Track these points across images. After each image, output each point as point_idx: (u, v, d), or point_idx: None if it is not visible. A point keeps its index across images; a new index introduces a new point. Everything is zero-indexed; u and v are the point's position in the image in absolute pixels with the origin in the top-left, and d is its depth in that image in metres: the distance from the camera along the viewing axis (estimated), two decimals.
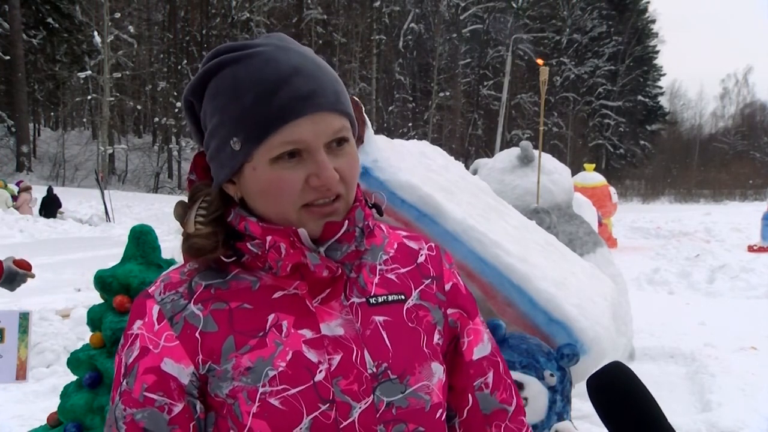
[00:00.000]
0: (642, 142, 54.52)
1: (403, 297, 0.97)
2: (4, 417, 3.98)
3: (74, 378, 2.62)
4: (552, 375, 2.76)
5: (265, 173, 0.87)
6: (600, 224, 12.14)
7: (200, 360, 0.88)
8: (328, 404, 0.86)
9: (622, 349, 4.55)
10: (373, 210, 0.99)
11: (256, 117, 0.86)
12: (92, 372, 2.48)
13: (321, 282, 0.92)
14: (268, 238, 0.89)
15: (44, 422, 2.76)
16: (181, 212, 0.95)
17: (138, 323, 0.91)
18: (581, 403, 3.70)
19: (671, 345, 5.86)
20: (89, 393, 2.47)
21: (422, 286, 1.00)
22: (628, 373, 0.99)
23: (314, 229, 0.90)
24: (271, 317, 0.90)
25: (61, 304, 6.47)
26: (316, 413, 0.86)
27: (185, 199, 0.98)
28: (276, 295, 0.91)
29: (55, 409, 2.57)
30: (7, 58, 29.76)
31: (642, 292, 8.72)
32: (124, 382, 0.89)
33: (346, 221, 0.91)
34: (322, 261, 0.89)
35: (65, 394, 2.56)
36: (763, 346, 5.86)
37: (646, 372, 5.14)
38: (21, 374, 2.81)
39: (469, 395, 1.03)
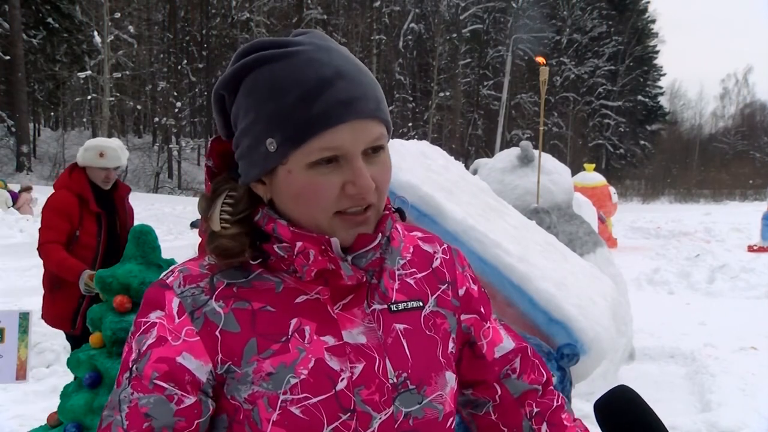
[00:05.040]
0: (642, 142, 54.48)
1: (421, 304, 0.96)
2: (4, 417, 3.98)
3: (74, 378, 2.62)
4: (552, 375, 2.77)
5: (300, 177, 0.85)
6: (602, 222, 12.15)
7: (219, 359, 0.86)
8: (348, 414, 0.85)
9: (622, 349, 4.55)
10: (396, 215, 0.98)
11: (296, 119, 0.83)
12: (92, 372, 2.48)
13: (344, 288, 0.90)
14: (298, 244, 0.87)
15: (44, 422, 2.76)
16: (205, 206, 0.92)
17: (157, 313, 0.88)
18: (581, 403, 3.70)
19: (671, 345, 5.87)
20: (89, 393, 2.47)
21: (438, 292, 1.00)
22: (635, 397, 0.99)
23: (345, 238, 0.88)
24: (293, 322, 0.88)
25: None
26: (337, 423, 0.85)
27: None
28: (299, 300, 0.90)
29: (55, 409, 2.57)
30: (7, 58, 29.72)
31: (642, 292, 8.73)
32: (134, 367, 0.86)
33: (380, 234, 0.90)
34: (354, 272, 0.88)
35: (65, 394, 2.55)
36: (763, 346, 5.87)
37: (646, 372, 5.15)
38: (21, 374, 2.81)
39: (496, 385, 1.05)
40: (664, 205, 46.06)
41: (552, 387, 1.11)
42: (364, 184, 0.85)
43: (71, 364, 2.55)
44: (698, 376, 5.02)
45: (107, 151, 3.58)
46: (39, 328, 5.40)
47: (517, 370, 1.06)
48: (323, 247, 0.87)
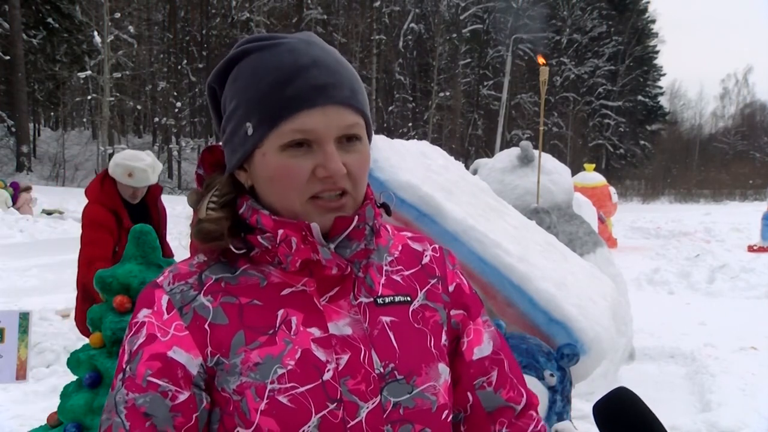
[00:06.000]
0: (642, 142, 54.45)
1: (408, 298, 0.97)
2: (4, 417, 3.98)
3: (74, 378, 2.62)
4: (552, 375, 2.76)
5: (273, 160, 0.88)
6: (601, 222, 12.14)
7: (209, 352, 0.88)
8: (335, 403, 0.86)
9: (622, 349, 4.55)
10: (382, 210, 0.99)
11: (270, 102, 0.87)
12: (92, 372, 2.48)
13: (329, 280, 0.92)
14: (280, 232, 0.89)
15: (44, 422, 2.76)
16: (195, 199, 0.96)
17: (145, 311, 0.90)
18: (581, 403, 3.70)
19: (671, 345, 5.87)
20: (89, 393, 2.47)
21: (428, 287, 1.01)
22: (634, 398, 0.99)
23: (321, 223, 0.89)
24: (280, 313, 0.90)
25: (61, 304, 6.47)
26: (324, 412, 0.86)
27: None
28: (285, 292, 0.91)
29: (55, 409, 2.57)
30: (7, 58, 29.70)
31: (642, 292, 8.73)
32: (127, 368, 0.88)
33: (357, 216, 0.91)
34: (333, 257, 0.89)
35: (65, 394, 2.55)
36: (763, 346, 5.87)
37: (646, 372, 5.15)
38: (21, 374, 2.81)
39: (469, 393, 1.02)
40: (664, 205, 46.03)
41: (533, 411, 1.06)
42: (333, 167, 0.86)
43: (71, 364, 2.55)
44: (698, 376, 5.02)
45: (135, 172, 3.58)
46: (39, 328, 5.42)
47: (494, 383, 1.03)
48: (304, 233, 0.88)
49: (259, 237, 0.91)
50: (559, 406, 2.81)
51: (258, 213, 0.91)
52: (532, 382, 2.73)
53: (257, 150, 0.89)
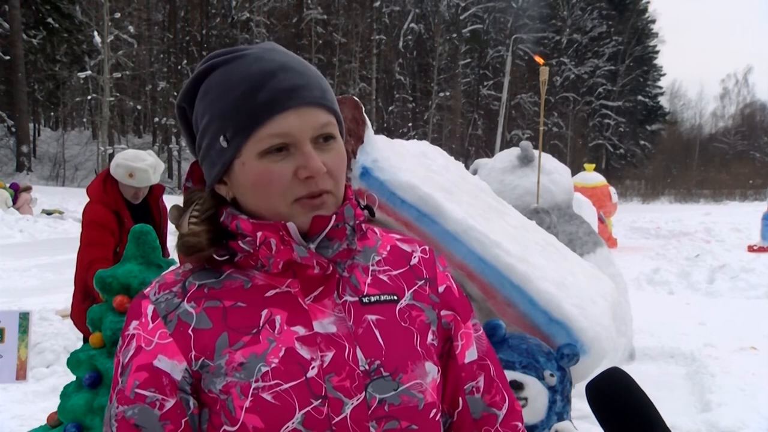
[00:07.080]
0: (642, 142, 54.46)
1: (395, 297, 0.98)
2: (4, 417, 3.98)
3: (74, 378, 2.62)
4: (552, 375, 2.76)
5: (254, 167, 0.89)
6: (601, 222, 12.14)
7: (193, 356, 0.89)
8: (320, 400, 0.87)
9: (622, 349, 4.55)
10: (365, 211, 1.00)
11: (243, 111, 0.88)
12: (92, 372, 2.48)
13: (313, 280, 0.93)
14: (259, 234, 0.90)
15: (44, 422, 2.76)
16: (176, 214, 0.97)
17: (134, 323, 0.92)
18: (581, 403, 3.70)
19: (671, 345, 5.87)
20: (89, 393, 2.47)
21: (415, 287, 1.01)
22: (626, 377, 1.00)
23: (303, 222, 0.91)
24: (264, 313, 0.91)
25: (61, 304, 6.46)
26: (309, 408, 0.87)
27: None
28: (269, 294, 0.92)
29: (55, 409, 2.57)
30: (7, 58, 29.71)
31: (642, 292, 8.72)
32: (120, 381, 0.90)
33: (334, 216, 0.92)
34: (311, 255, 0.91)
35: (65, 394, 2.55)
36: (763, 346, 5.86)
37: (646, 372, 5.14)
38: (21, 374, 2.81)
39: (460, 399, 1.03)
40: (664, 205, 46.00)
41: (518, 422, 1.06)
42: (313, 166, 0.88)
43: (71, 364, 2.55)
44: (698, 376, 5.02)
45: (136, 173, 3.57)
46: (39, 328, 5.41)
47: (481, 389, 1.04)
48: (281, 234, 0.89)
49: (240, 242, 0.92)
50: (559, 406, 2.81)
51: (237, 218, 0.92)
52: (532, 382, 2.73)
53: (236, 160, 0.90)
